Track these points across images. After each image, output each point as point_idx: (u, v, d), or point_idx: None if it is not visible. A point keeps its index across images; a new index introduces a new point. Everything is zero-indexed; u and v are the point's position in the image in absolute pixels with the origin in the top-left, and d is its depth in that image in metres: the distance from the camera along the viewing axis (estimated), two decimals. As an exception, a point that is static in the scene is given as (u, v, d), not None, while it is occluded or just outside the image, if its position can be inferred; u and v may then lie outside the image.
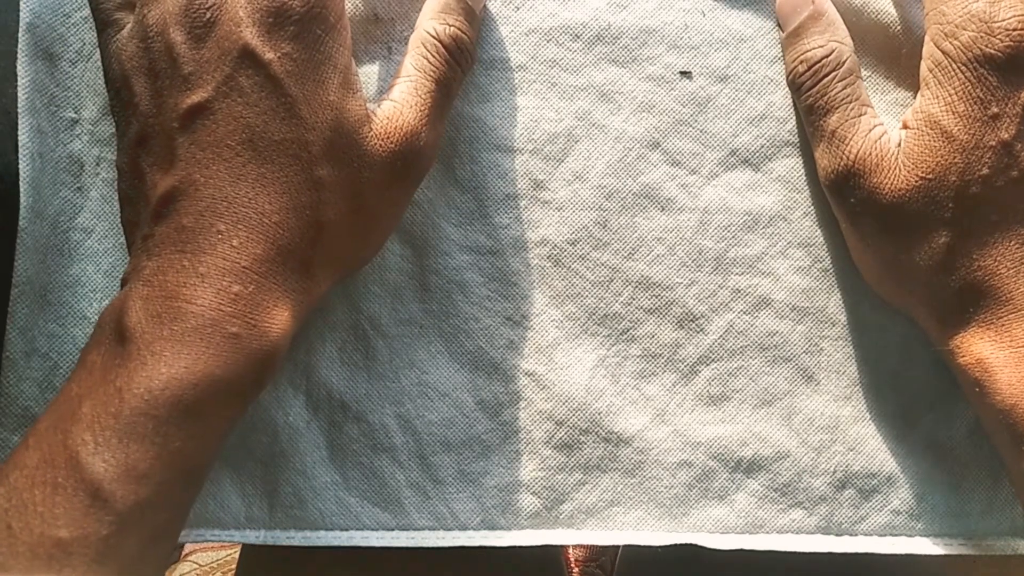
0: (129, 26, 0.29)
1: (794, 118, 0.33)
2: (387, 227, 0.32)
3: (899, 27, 0.32)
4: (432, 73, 0.30)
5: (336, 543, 0.33)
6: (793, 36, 0.32)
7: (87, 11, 0.32)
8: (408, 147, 0.29)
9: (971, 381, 0.29)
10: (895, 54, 0.33)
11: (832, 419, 0.33)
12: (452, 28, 0.31)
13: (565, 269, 0.33)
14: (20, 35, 0.32)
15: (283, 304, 0.27)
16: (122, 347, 0.25)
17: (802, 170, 0.33)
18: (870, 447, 0.33)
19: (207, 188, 0.26)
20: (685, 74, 0.33)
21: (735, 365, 0.33)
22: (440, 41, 0.31)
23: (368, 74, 0.33)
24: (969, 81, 0.28)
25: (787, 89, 0.33)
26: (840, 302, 0.33)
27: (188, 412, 0.25)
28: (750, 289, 0.33)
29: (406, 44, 0.33)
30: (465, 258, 0.33)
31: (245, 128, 0.27)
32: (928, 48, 0.29)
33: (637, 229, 0.33)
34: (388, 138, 0.29)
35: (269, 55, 0.27)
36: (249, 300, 0.26)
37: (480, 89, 0.33)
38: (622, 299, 0.33)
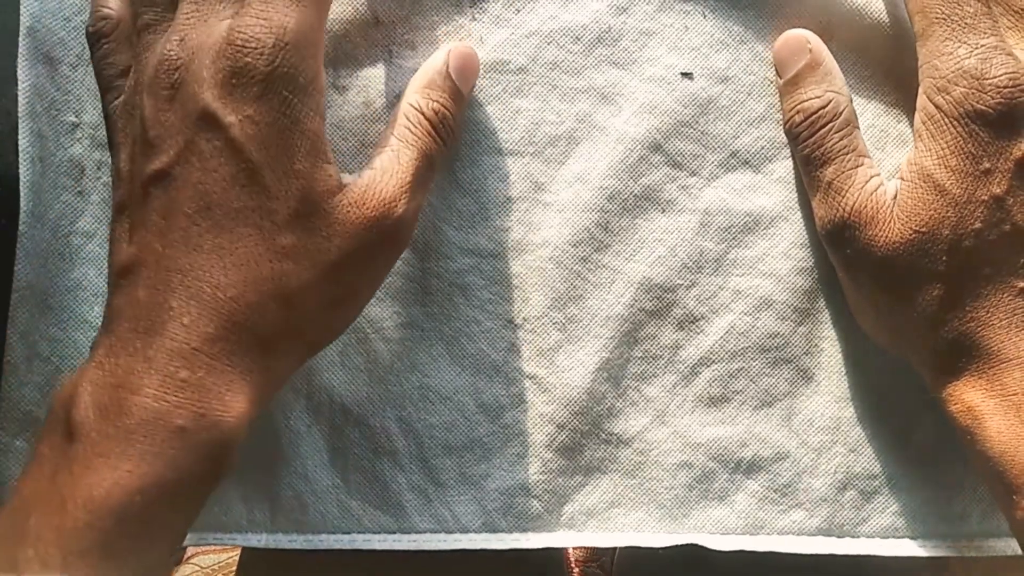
0: (125, 92, 0.28)
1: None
2: (364, 298, 0.30)
3: (899, 27, 0.32)
4: (414, 143, 0.30)
5: (337, 546, 0.33)
6: (790, 85, 0.32)
7: (88, 14, 0.32)
8: (384, 216, 0.28)
9: (962, 428, 0.29)
10: (898, 52, 0.33)
11: (833, 420, 0.33)
12: (436, 103, 0.30)
13: (566, 271, 0.33)
14: (20, 39, 0.32)
15: (237, 387, 0.25)
16: (69, 445, 0.24)
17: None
18: (872, 448, 0.33)
19: (163, 259, 0.25)
20: (686, 75, 0.33)
21: (736, 366, 0.33)
22: (423, 113, 0.30)
23: (370, 78, 0.33)
24: (961, 136, 0.28)
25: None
26: (842, 303, 0.33)
27: (134, 520, 0.23)
28: (751, 290, 0.33)
29: (407, 47, 0.33)
30: (466, 261, 0.33)
31: (202, 195, 0.25)
32: (921, 101, 0.30)
33: (638, 231, 0.33)
34: (364, 206, 0.28)
35: (229, 118, 0.25)
36: (197, 386, 0.25)
37: (481, 92, 0.33)
38: (624, 301, 0.33)
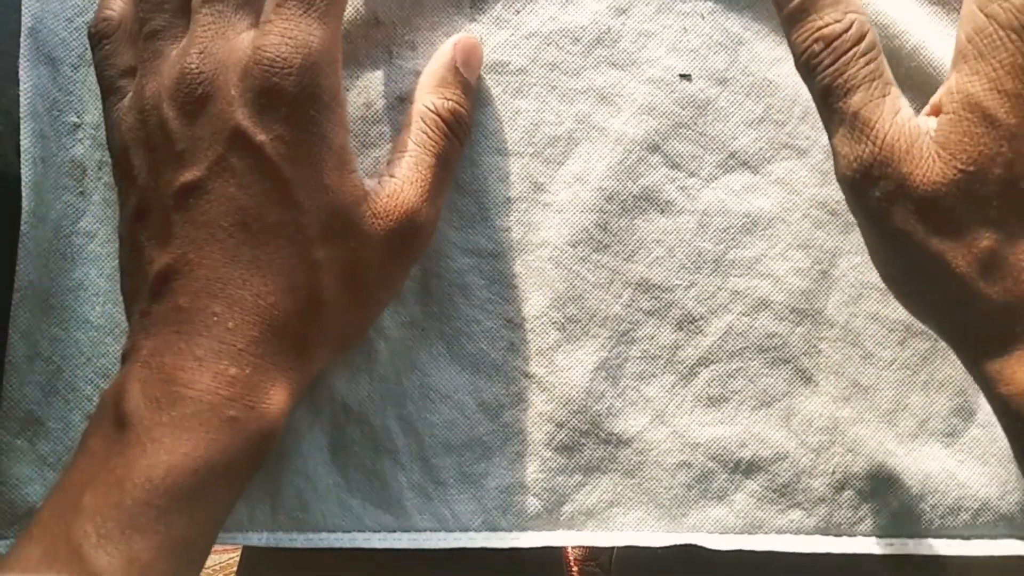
0: (130, 95, 0.28)
1: (792, 121, 0.34)
2: (384, 302, 0.32)
3: (900, 27, 0.32)
4: (432, 148, 0.30)
5: (338, 545, 0.33)
6: (798, 12, 0.27)
7: (90, 15, 0.32)
8: (407, 225, 0.29)
9: (1014, 414, 0.24)
10: (899, 51, 0.33)
11: (831, 420, 0.33)
12: (450, 102, 0.31)
13: (566, 271, 0.33)
14: (22, 39, 0.32)
15: (280, 384, 0.27)
16: (122, 433, 0.25)
17: (800, 172, 0.34)
18: (869, 448, 0.33)
19: (201, 269, 0.26)
20: (685, 76, 0.33)
21: (734, 366, 0.34)
22: (439, 115, 0.30)
23: (370, 79, 0.33)
24: (1020, 52, 0.23)
25: (785, 92, 0.33)
26: (839, 303, 0.33)
27: (189, 499, 0.25)
28: (749, 291, 0.34)
29: (407, 48, 0.33)
30: (466, 261, 0.33)
31: (238, 210, 0.26)
32: (968, 10, 0.24)
33: (637, 231, 0.34)
34: (387, 216, 0.29)
35: (261, 137, 0.26)
36: (246, 382, 0.26)
37: (481, 93, 0.33)
38: (622, 301, 0.33)
